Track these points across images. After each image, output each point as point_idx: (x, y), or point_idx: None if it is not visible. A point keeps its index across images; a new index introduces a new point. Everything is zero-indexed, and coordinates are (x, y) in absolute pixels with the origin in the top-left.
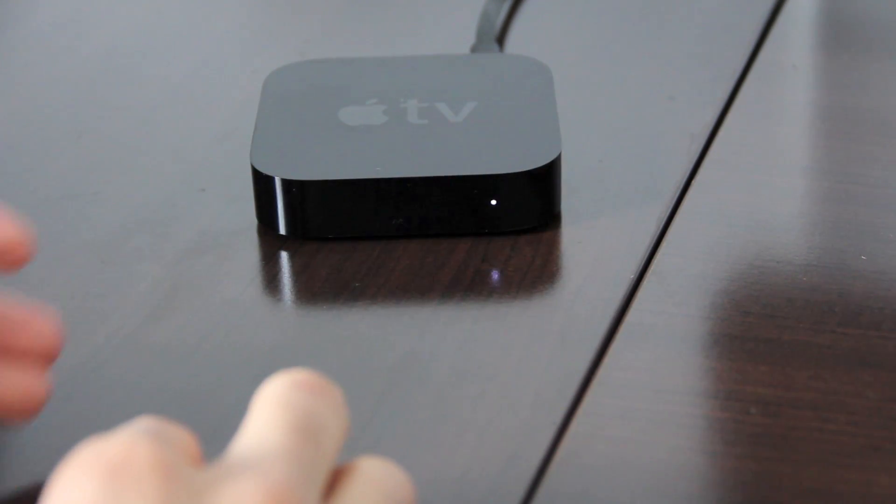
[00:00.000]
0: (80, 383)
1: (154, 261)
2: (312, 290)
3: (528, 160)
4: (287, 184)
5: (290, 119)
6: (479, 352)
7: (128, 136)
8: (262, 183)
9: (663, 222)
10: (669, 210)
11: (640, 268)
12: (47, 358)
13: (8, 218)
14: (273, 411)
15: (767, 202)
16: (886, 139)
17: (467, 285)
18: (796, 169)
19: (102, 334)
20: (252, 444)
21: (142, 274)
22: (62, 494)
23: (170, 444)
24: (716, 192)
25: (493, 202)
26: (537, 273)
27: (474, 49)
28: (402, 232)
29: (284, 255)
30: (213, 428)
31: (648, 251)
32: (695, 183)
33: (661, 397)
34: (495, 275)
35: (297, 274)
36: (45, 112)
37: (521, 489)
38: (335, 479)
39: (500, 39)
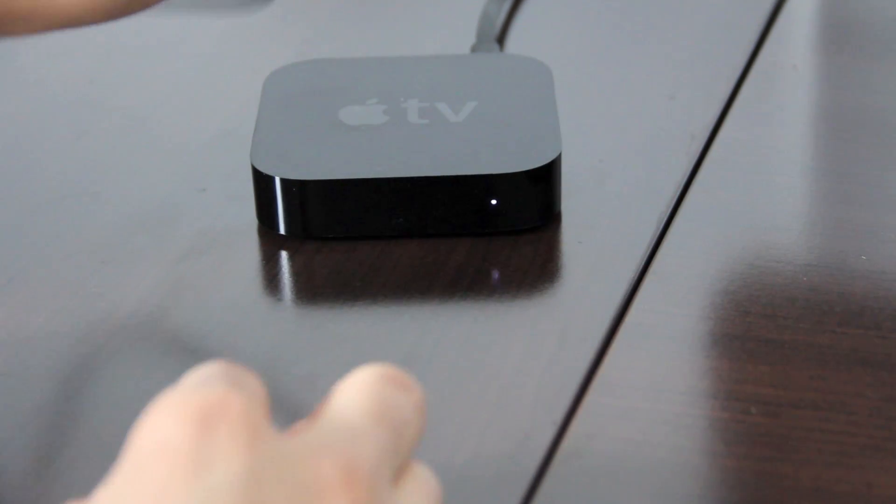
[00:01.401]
0: (81, 383)
1: (154, 261)
2: (312, 290)
3: (528, 160)
4: (287, 184)
5: (290, 119)
6: (479, 352)
7: (128, 136)
8: (262, 183)
9: (663, 222)
10: (669, 210)
11: (640, 268)
12: None
13: None
14: (359, 397)
15: (767, 202)
16: (886, 139)
17: (467, 285)
18: (796, 169)
19: (102, 334)
20: (335, 423)
21: (142, 274)
22: (150, 437)
23: (255, 399)
24: (716, 192)
25: (494, 202)
26: (537, 273)
27: (474, 49)
28: (402, 232)
29: (284, 255)
30: None
31: (648, 251)
32: (695, 183)
33: (661, 397)
34: (496, 275)
35: (297, 274)
36: (45, 112)
37: (521, 489)
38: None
39: (500, 39)
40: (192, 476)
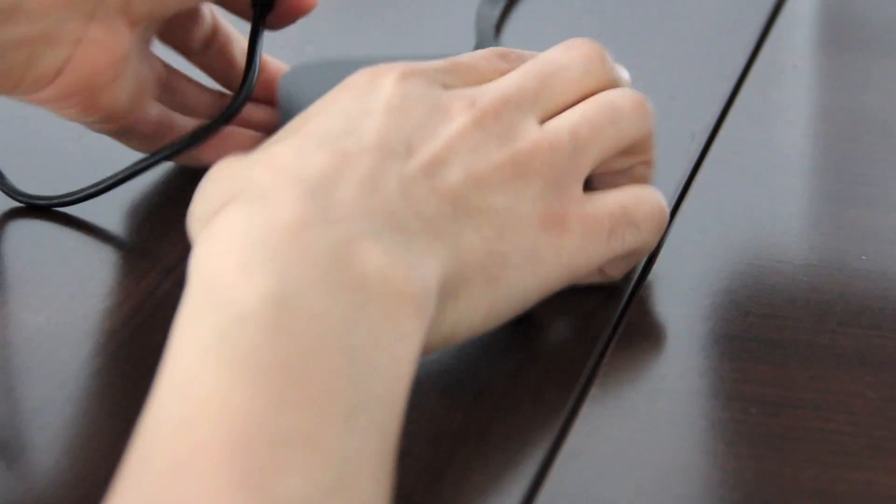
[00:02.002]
0: (82, 383)
1: (155, 260)
2: None
3: None
4: None
5: None
6: (478, 352)
7: None
8: None
9: None
10: (670, 210)
11: (641, 268)
12: None
13: None
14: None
15: (767, 202)
16: (886, 139)
17: None
18: (796, 169)
19: (103, 334)
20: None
21: (142, 273)
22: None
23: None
24: (716, 192)
25: None
26: None
27: (476, 49)
28: None
29: None
30: None
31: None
32: (695, 183)
33: (661, 397)
34: None
35: None
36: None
37: (521, 489)
38: None
39: (498, 39)
40: (358, 94)
